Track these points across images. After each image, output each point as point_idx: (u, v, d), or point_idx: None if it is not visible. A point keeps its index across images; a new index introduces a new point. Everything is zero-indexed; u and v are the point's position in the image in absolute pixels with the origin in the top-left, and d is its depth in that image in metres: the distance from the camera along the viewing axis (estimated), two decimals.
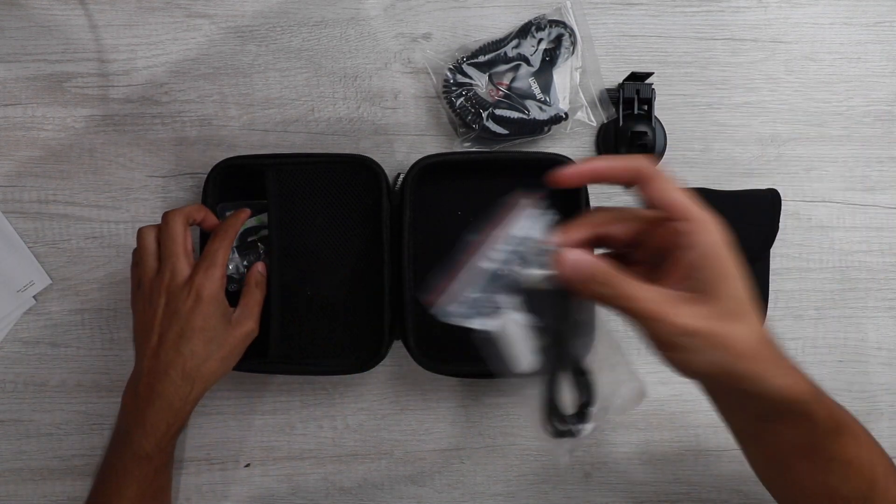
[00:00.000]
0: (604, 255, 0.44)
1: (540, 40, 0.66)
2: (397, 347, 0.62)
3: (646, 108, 0.66)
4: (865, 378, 0.69)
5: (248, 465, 0.66)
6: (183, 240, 0.55)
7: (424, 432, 0.67)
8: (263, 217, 0.62)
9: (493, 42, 0.66)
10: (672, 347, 0.38)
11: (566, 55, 0.66)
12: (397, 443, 0.67)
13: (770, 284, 0.67)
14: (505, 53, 0.66)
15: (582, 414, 0.42)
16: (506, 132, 0.65)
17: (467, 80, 0.65)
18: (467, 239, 0.41)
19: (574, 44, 0.66)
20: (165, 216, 0.56)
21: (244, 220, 0.60)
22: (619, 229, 0.42)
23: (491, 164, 0.62)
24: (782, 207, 0.66)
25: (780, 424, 0.41)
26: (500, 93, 0.66)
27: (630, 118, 0.66)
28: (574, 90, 0.67)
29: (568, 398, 0.43)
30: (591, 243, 0.42)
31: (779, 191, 0.66)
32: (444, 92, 0.66)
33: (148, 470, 0.54)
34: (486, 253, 0.40)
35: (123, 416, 0.55)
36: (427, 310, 0.41)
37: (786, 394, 0.39)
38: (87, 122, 0.66)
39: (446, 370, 0.61)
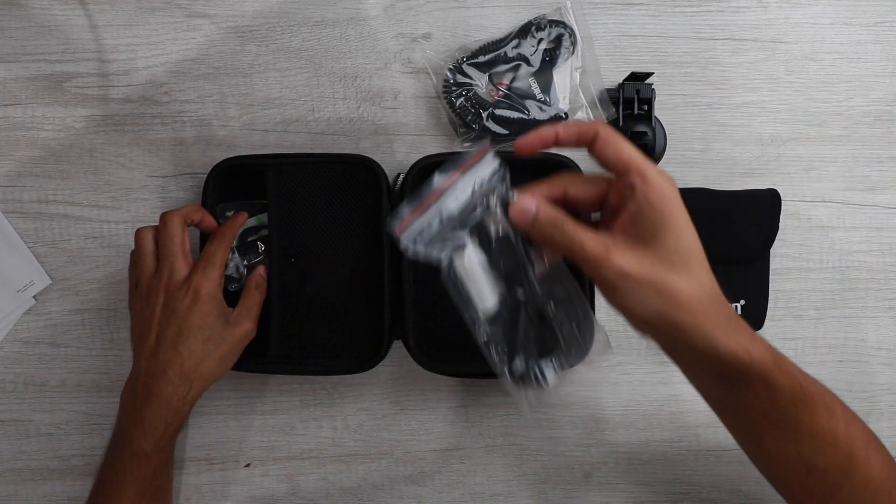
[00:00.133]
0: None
1: (540, 40, 0.66)
2: (397, 347, 0.62)
3: (646, 108, 0.66)
4: (865, 378, 0.69)
5: (248, 465, 0.66)
6: (181, 240, 0.55)
7: (424, 432, 0.67)
8: (263, 217, 0.62)
9: (493, 42, 0.66)
10: (613, 289, 0.40)
11: (566, 55, 0.66)
12: (397, 443, 0.67)
13: (770, 284, 0.67)
14: (505, 53, 0.66)
15: (543, 362, 0.44)
16: (506, 132, 0.65)
17: (467, 80, 0.65)
18: (437, 178, 0.43)
19: (574, 44, 0.66)
20: (163, 216, 0.56)
21: (242, 223, 0.60)
22: (581, 190, 0.44)
23: None
24: (782, 207, 0.66)
25: (742, 389, 0.42)
26: (500, 93, 0.66)
27: (630, 118, 0.66)
28: (574, 90, 0.67)
29: (530, 347, 0.45)
30: (555, 201, 0.44)
31: (779, 191, 0.66)
32: (444, 92, 0.66)
33: (147, 470, 0.54)
34: (453, 193, 0.43)
35: (122, 416, 0.55)
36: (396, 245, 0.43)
37: (738, 355, 0.40)
38: (87, 122, 0.66)
39: (446, 370, 0.61)
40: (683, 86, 0.69)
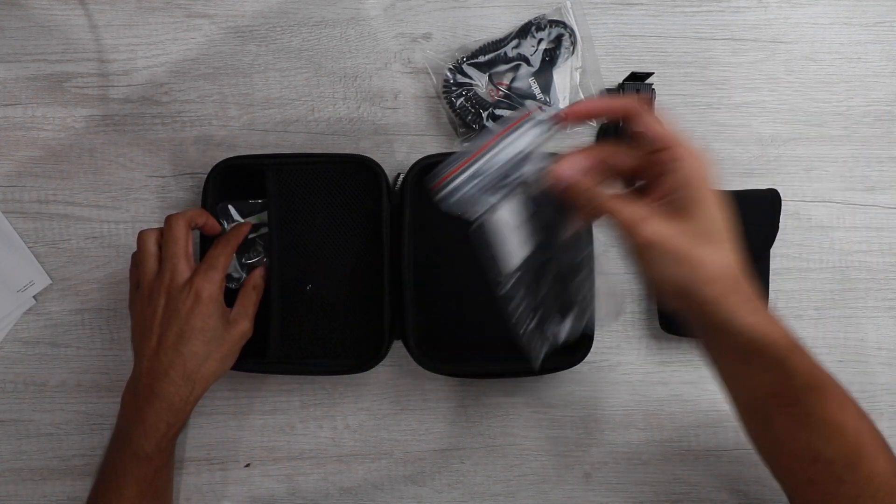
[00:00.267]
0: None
1: (540, 40, 0.66)
2: (397, 347, 0.62)
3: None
4: (865, 378, 0.69)
5: (248, 465, 0.66)
6: (185, 243, 0.56)
7: (424, 432, 0.67)
8: (263, 216, 0.62)
9: (493, 42, 0.66)
10: (641, 256, 0.41)
11: (566, 55, 0.66)
12: (397, 443, 0.67)
13: (770, 284, 0.67)
14: (505, 53, 0.66)
15: (559, 321, 0.46)
16: None
17: (467, 80, 0.65)
18: (480, 138, 0.45)
19: (574, 44, 0.66)
20: (169, 219, 0.56)
21: (247, 232, 0.61)
22: (620, 159, 0.45)
23: None
24: (782, 207, 0.66)
25: (758, 367, 0.42)
26: (500, 93, 0.66)
27: None
28: (574, 90, 0.67)
29: (549, 306, 0.47)
30: (594, 169, 0.45)
31: (779, 191, 0.66)
32: (444, 92, 0.66)
33: (148, 470, 0.54)
34: (494, 152, 0.44)
35: (123, 416, 0.55)
36: (433, 196, 0.45)
37: (758, 333, 0.41)
38: (87, 122, 0.66)
39: (446, 370, 0.61)
40: (683, 86, 0.69)
